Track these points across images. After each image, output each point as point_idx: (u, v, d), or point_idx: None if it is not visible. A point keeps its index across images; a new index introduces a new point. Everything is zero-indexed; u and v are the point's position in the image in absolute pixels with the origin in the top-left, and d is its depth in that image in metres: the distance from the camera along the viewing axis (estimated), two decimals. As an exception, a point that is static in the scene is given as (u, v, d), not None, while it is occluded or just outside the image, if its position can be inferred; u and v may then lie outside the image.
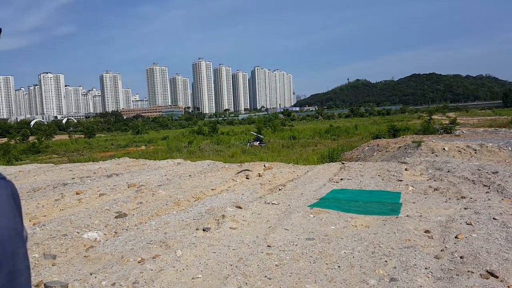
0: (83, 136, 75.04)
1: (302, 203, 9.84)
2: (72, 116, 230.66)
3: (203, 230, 7.55)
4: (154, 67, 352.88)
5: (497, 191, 10.46)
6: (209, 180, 13.94)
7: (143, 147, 40.45)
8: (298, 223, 7.85)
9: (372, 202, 9.93)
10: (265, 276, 5.37)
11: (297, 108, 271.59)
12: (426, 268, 5.43)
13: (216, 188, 12.46)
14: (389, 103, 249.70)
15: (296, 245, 6.58)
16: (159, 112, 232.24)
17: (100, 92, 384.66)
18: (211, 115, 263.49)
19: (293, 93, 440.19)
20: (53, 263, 6.35)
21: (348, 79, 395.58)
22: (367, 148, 25.18)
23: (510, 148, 19.47)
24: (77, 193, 12.05)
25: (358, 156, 23.79)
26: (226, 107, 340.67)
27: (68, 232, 7.66)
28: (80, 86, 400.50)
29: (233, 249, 6.54)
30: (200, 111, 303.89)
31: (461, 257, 5.79)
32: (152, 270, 5.83)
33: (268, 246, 6.55)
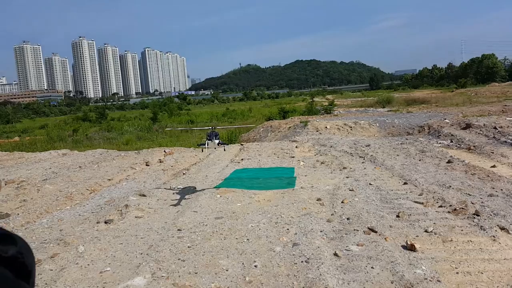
0: None
1: (207, 185, 10.09)
2: None
3: (105, 222, 7.20)
4: (24, 45, 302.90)
5: (370, 161, 12.38)
6: (104, 170, 13.09)
7: (17, 138, 35.22)
8: (206, 204, 8.09)
9: (271, 178, 10.77)
10: (179, 259, 5.49)
11: (193, 92, 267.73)
12: (321, 231, 6.26)
13: (113, 178, 11.80)
14: (277, 87, 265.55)
15: (206, 225, 6.84)
16: (33, 97, 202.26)
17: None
18: (97, 99, 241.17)
19: (188, 77, 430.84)
20: None
21: (240, 64, 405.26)
22: (262, 129, 26.67)
23: (378, 124, 22.89)
24: None
25: (255, 137, 25.06)
26: (115, 91, 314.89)
27: None
28: None
29: (141, 238, 6.46)
30: (84, 95, 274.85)
31: (347, 219, 6.82)
32: (52, 270, 5.42)
33: (178, 230, 6.65)
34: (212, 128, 9.25)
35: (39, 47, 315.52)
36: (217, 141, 8.81)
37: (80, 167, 13.81)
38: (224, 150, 11.60)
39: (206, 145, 8.80)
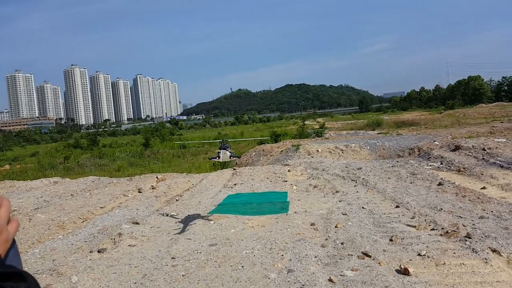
0: None
1: (201, 211, 10.06)
2: None
3: (98, 251, 7.12)
4: (17, 74, 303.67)
5: (362, 184, 12.50)
6: (96, 198, 12.98)
7: (7, 167, 34.70)
8: (199, 231, 8.06)
9: (264, 203, 10.78)
10: (173, 288, 5.45)
11: (184, 117, 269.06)
12: (315, 257, 6.27)
13: (106, 206, 11.70)
14: (268, 111, 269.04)
15: (200, 252, 6.80)
16: (24, 125, 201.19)
17: None
18: (88, 126, 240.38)
19: (179, 102, 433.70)
20: None
21: (231, 89, 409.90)
22: (254, 153, 26.80)
23: (368, 147, 23.20)
24: None
25: (247, 161, 25.14)
26: (107, 117, 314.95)
27: None
28: None
29: (135, 267, 6.39)
30: (76, 122, 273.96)
31: (341, 243, 6.85)
32: (44, 303, 5.33)
33: (172, 258, 6.60)
34: (222, 141, 9.40)
35: (31, 76, 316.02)
36: (229, 153, 8.87)
37: (72, 195, 13.68)
38: (236, 163, 11.75)
39: (218, 158, 8.84)
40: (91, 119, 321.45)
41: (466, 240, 6.41)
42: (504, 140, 17.93)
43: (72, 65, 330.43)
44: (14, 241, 1.01)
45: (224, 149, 9.00)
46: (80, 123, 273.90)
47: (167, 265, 6.29)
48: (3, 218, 0.95)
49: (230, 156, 9.03)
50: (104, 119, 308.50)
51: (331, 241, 7.01)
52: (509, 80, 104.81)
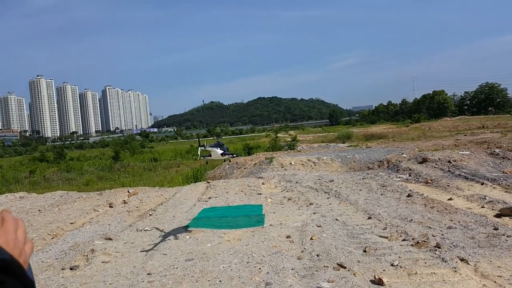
0: None
1: (176, 226, 9.91)
2: None
3: (71, 269, 6.86)
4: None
5: (335, 196, 12.77)
6: (66, 213, 12.49)
7: (-34, 182, 32.71)
8: (175, 246, 7.93)
9: (240, 216, 10.77)
10: (150, 305, 5.32)
11: (155, 129, 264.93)
12: (292, 269, 6.33)
13: (76, 222, 11.28)
14: (241, 123, 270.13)
15: (177, 268, 6.69)
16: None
17: None
18: (55, 138, 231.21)
19: (150, 114, 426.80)
20: None
21: (203, 101, 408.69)
22: (228, 166, 26.72)
23: (339, 160, 23.77)
24: None
25: (221, 174, 25.02)
26: (74, 130, 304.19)
27: None
28: None
29: (110, 284, 6.20)
30: (41, 134, 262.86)
31: (317, 255, 6.96)
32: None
33: (148, 274, 6.46)
34: (217, 138, 9.15)
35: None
36: (220, 151, 8.59)
37: (39, 210, 13.09)
38: (230, 161, 11.40)
39: (210, 156, 8.62)
40: (58, 132, 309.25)
41: (436, 250, 6.70)
42: (468, 152, 18.90)
43: (38, 76, 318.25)
44: (28, 264, 1.00)
45: (217, 147, 8.68)
46: (46, 136, 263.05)
47: (143, 281, 6.15)
48: (22, 240, 0.91)
49: (221, 154, 8.70)
50: (71, 131, 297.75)
51: (307, 253, 7.11)
52: (471, 94, 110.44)
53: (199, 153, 8.97)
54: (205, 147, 8.85)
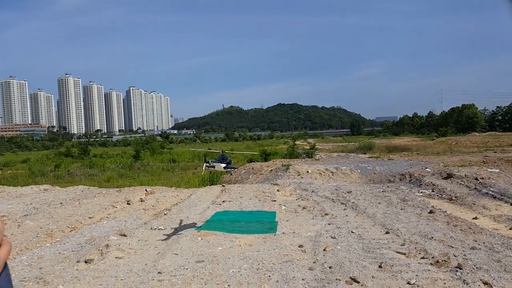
0: None
1: (189, 227, 9.91)
2: None
3: (85, 262, 6.97)
4: (11, 80, 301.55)
5: (352, 208, 12.46)
6: (85, 208, 12.74)
7: (-1, 172, 34.15)
8: (187, 247, 7.91)
9: (253, 222, 10.67)
10: (157, 304, 5.29)
11: (175, 131, 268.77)
12: (303, 279, 6.17)
13: (94, 216, 11.49)
14: (259, 129, 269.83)
15: (187, 268, 6.65)
16: (16, 131, 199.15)
17: None
18: (80, 135, 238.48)
19: (171, 116, 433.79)
20: None
21: (223, 105, 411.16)
22: (244, 171, 26.70)
23: (359, 171, 23.27)
24: None
25: (236, 179, 24.99)
26: (98, 128, 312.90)
27: None
28: None
29: (121, 279, 6.22)
30: (68, 131, 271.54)
31: (330, 267, 6.76)
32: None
33: (158, 272, 6.45)
34: (222, 152, 9.95)
35: (25, 83, 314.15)
36: (223, 165, 9.53)
37: (61, 203, 13.43)
38: (231, 174, 12.58)
39: (214, 167, 9.72)
40: (83, 129, 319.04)
41: (457, 271, 6.37)
42: (497, 170, 18.02)
43: (66, 74, 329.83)
44: (6, 265, 0.94)
45: (221, 160, 9.66)
46: (72, 132, 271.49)
47: (153, 279, 6.14)
48: None
49: (224, 168, 9.63)
50: (95, 129, 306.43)
51: (319, 264, 6.92)
52: (504, 110, 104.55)
53: (203, 168, 10.00)
54: (209, 164, 9.85)
